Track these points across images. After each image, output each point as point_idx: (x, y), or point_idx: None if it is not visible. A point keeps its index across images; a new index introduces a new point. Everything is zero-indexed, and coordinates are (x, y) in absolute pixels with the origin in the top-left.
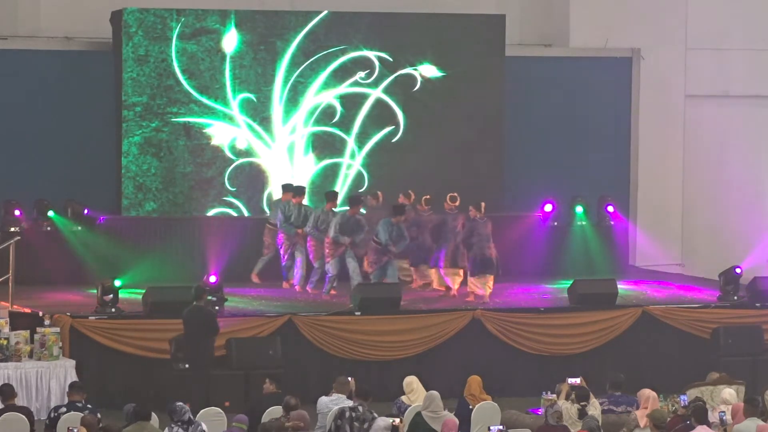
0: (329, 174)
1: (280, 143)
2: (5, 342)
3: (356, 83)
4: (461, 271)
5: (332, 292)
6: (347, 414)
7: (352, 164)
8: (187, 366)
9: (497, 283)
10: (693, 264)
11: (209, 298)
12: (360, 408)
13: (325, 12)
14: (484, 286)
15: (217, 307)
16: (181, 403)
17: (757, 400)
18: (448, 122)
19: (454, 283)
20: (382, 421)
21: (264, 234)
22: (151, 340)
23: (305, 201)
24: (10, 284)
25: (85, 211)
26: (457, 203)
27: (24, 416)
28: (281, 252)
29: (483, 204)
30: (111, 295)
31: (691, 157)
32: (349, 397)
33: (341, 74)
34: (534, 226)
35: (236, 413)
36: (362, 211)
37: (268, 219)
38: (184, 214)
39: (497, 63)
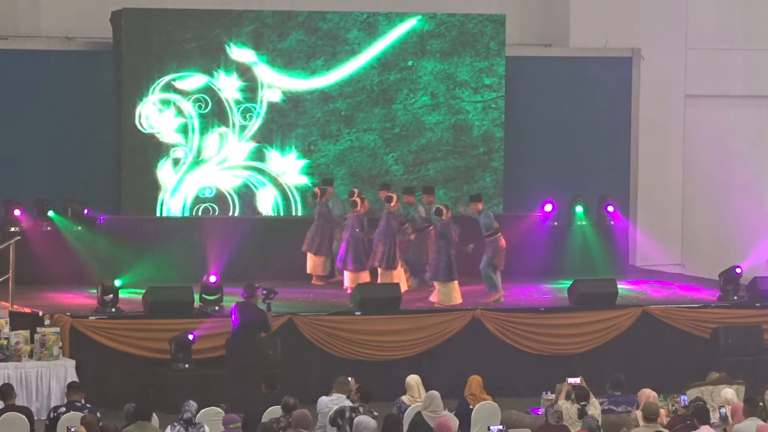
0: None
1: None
2: (5, 342)
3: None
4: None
5: None
6: (347, 414)
7: None
8: (187, 366)
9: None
10: (693, 264)
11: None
12: (361, 408)
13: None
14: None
15: (268, 302)
16: (191, 401)
17: (757, 400)
18: (448, 122)
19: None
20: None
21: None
22: (151, 340)
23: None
24: (10, 284)
25: (85, 211)
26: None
27: (24, 416)
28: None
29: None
30: (111, 295)
31: (691, 157)
32: (349, 397)
33: None
34: (534, 226)
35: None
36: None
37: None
38: (184, 214)
39: (497, 63)
